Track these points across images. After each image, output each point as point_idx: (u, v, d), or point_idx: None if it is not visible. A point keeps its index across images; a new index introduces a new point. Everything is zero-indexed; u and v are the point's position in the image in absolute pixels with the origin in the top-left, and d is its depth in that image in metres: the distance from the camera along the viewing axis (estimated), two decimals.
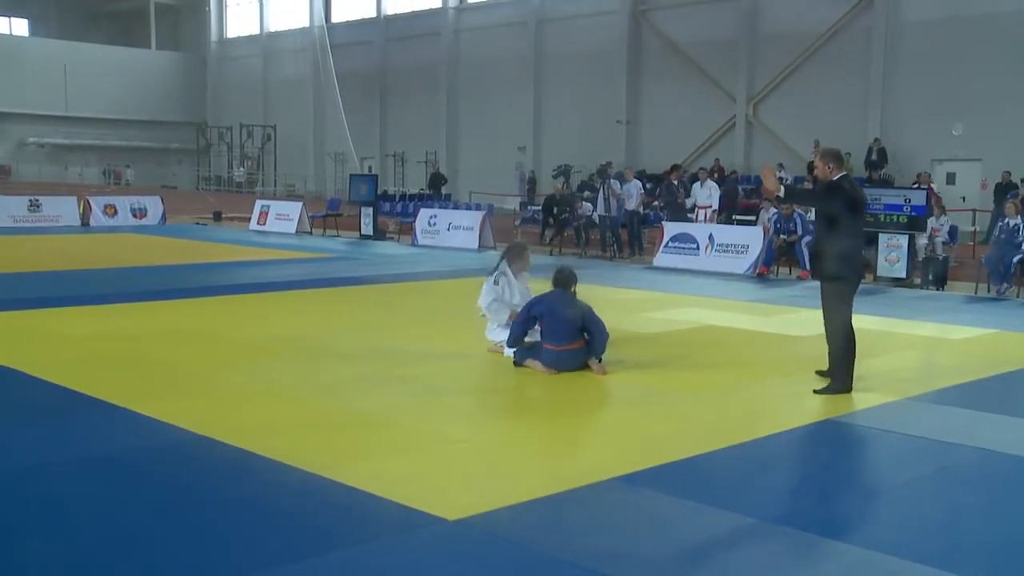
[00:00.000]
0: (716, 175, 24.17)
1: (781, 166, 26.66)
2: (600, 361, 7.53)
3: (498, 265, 8.47)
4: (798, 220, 15.32)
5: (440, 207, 23.90)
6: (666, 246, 16.79)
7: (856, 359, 7.12)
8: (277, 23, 48.72)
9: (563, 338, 7.49)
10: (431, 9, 39.66)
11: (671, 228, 17.09)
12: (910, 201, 14.30)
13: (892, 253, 14.25)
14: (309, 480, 4.84)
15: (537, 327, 7.69)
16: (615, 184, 18.72)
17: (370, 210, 21.92)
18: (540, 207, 23.12)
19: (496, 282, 8.27)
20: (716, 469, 5.28)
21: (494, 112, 36.91)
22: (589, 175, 28.32)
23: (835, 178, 7.24)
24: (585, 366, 7.52)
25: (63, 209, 23.78)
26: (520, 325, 7.65)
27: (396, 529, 4.26)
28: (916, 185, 19.85)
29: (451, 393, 7.02)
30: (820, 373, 7.42)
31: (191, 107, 53.31)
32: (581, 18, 33.84)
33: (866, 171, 24.74)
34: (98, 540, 4.11)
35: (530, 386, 7.22)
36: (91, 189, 34.41)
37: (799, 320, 10.61)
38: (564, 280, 7.76)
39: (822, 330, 7.49)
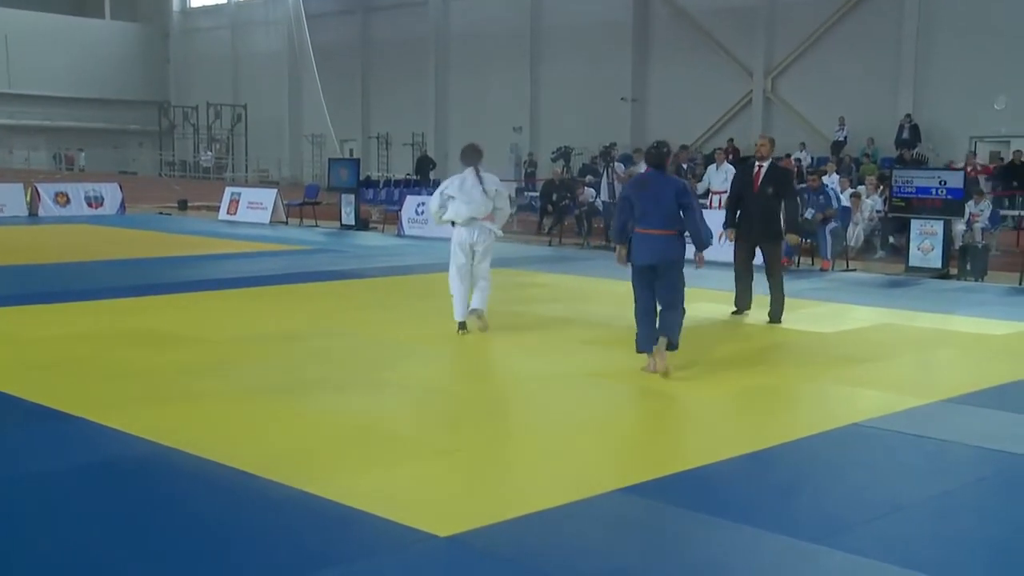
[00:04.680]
0: (731, 156, 24.21)
1: (803, 146, 26.71)
2: (704, 249, 7.56)
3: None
4: (831, 194, 15.23)
5: (428, 194, 23.86)
6: None
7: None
8: None
9: (654, 221, 7.43)
10: None
11: None
12: (945, 183, 14.31)
13: (926, 241, 14.26)
14: (287, 494, 4.85)
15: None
16: (619, 167, 18.75)
17: (351, 197, 21.92)
18: (538, 193, 23.15)
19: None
20: (730, 479, 5.30)
21: (487, 90, 36.90)
22: (591, 158, 28.32)
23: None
24: (682, 257, 7.50)
25: (8, 198, 23.72)
26: (618, 215, 7.79)
27: (383, 547, 4.28)
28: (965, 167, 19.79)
29: (442, 398, 7.04)
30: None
31: (151, 84, 53.19)
32: None
33: (897, 150, 24.77)
34: (42, 571, 4.10)
35: (527, 391, 7.25)
36: (39, 175, 34.34)
37: (823, 315, 10.65)
38: (657, 157, 7.66)
39: (848, 326, 9.76)
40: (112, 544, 4.30)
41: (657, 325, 7.52)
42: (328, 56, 41.91)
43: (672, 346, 7.48)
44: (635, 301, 7.64)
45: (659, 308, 7.59)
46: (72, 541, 4.31)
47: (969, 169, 19.83)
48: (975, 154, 22.68)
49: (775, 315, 10.02)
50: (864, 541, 4.39)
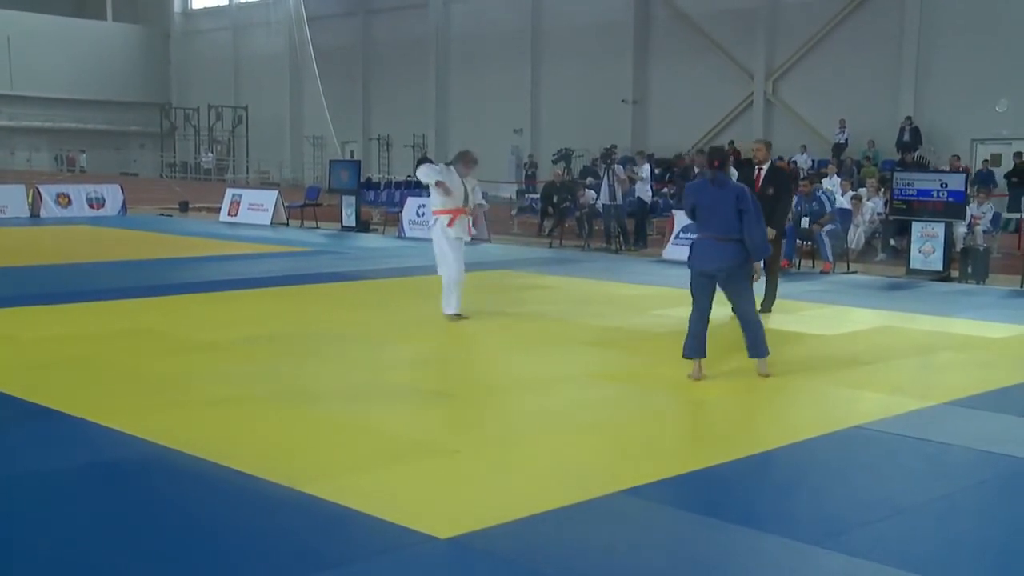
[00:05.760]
0: (732, 158, 24.23)
1: (804, 148, 26.72)
2: (761, 262, 7.44)
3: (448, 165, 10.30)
4: (824, 199, 15.20)
5: (429, 196, 23.87)
6: (677, 237, 16.80)
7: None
8: None
9: (713, 226, 7.34)
10: None
11: (682, 218, 17.10)
12: (946, 186, 14.30)
13: (927, 243, 14.26)
14: (288, 496, 4.85)
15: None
16: (620, 170, 18.72)
17: (352, 199, 21.92)
18: (539, 195, 23.14)
19: (434, 163, 10.51)
20: (731, 481, 5.30)
21: (488, 91, 36.90)
22: (592, 160, 28.33)
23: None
24: (745, 263, 7.34)
25: (10, 199, 23.70)
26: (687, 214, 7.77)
27: (382, 548, 4.28)
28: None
29: (442, 399, 7.04)
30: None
31: (153, 86, 53.24)
32: None
33: (898, 153, 24.76)
34: (40, 571, 4.10)
35: (528, 392, 7.24)
36: (41, 176, 34.37)
37: (824, 317, 10.64)
38: (716, 156, 7.52)
39: (849, 328, 9.86)
40: (112, 544, 4.30)
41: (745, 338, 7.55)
42: (329, 58, 41.95)
43: (764, 355, 7.51)
44: (693, 306, 7.50)
45: (739, 319, 7.57)
46: (72, 541, 4.31)
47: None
48: (958, 157, 22.68)
49: (767, 305, 10.45)
50: (864, 543, 4.39)
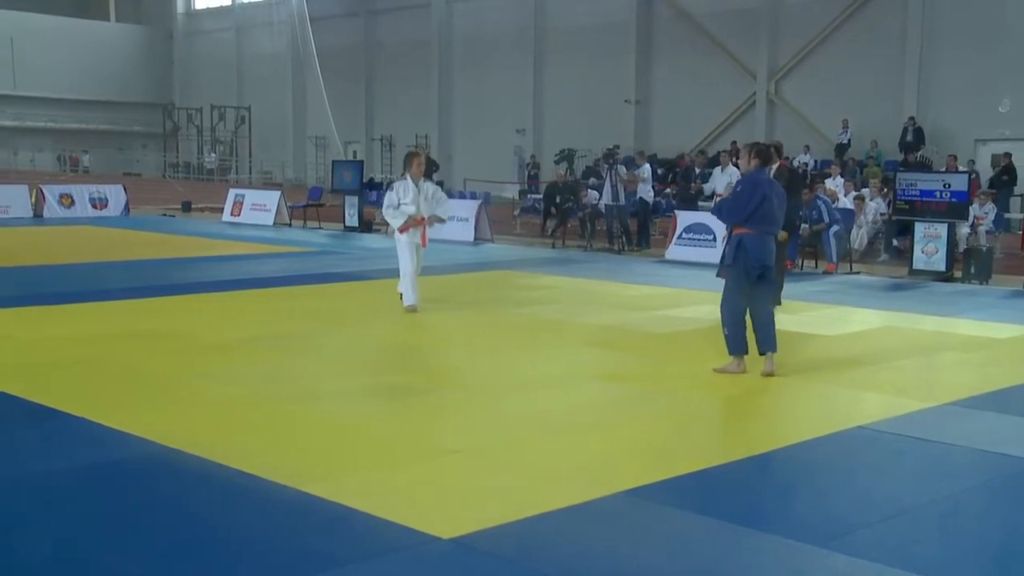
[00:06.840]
0: (734, 159, 24.21)
1: (807, 148, 26.70)
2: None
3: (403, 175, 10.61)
4: (822, 207, 15.23)
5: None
6: (679, 238, 16.81)
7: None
8: None
9: (774, 223, 7.57)
10: None
11: (684, 218, 17.10)
12: (949, 186, 14.29)
13: (930, 244, 14.25)
14: (290, 496, 4.85)
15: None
16: (622, 170, 18.72)
17: (355, 200, 21.94)
18: (542, 195, 23.15)
19: (391, 188, 10.55)
20: (734, 482, 5.29)
21: (491, 92, 36.90)
22: (595, 160, 28.32)
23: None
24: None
25: (13, 199, 23.72)
26: (747, 205, 7.45)
27: (384, 549, 4.27)
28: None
29: (441, 399, 7.03)
30: None
31: (156, 86, 53.28)
32: None
33: (901, 153, 24.72)
34: (40, 571, 4.09)
35: (530, 393, 7.23)
36: (44, 177, 34.40)
37: (827, 317, 10.63)
38: (769, 156, 7.87)
39: (852, 329, 9.62)
40: (112, 544, 4.29)
41: (756, 337, 7.58)
42: (332, 58, 41.95)
43: (775, 350, 7.63)
44: (733, 302, 7.55)
45: (757, 317, 7.58)
46: (72, 541, 4.31)
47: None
48: (955, 157, 22.69)
49: (775, 299, 10.30)
50: (868, 544, 4.38)
